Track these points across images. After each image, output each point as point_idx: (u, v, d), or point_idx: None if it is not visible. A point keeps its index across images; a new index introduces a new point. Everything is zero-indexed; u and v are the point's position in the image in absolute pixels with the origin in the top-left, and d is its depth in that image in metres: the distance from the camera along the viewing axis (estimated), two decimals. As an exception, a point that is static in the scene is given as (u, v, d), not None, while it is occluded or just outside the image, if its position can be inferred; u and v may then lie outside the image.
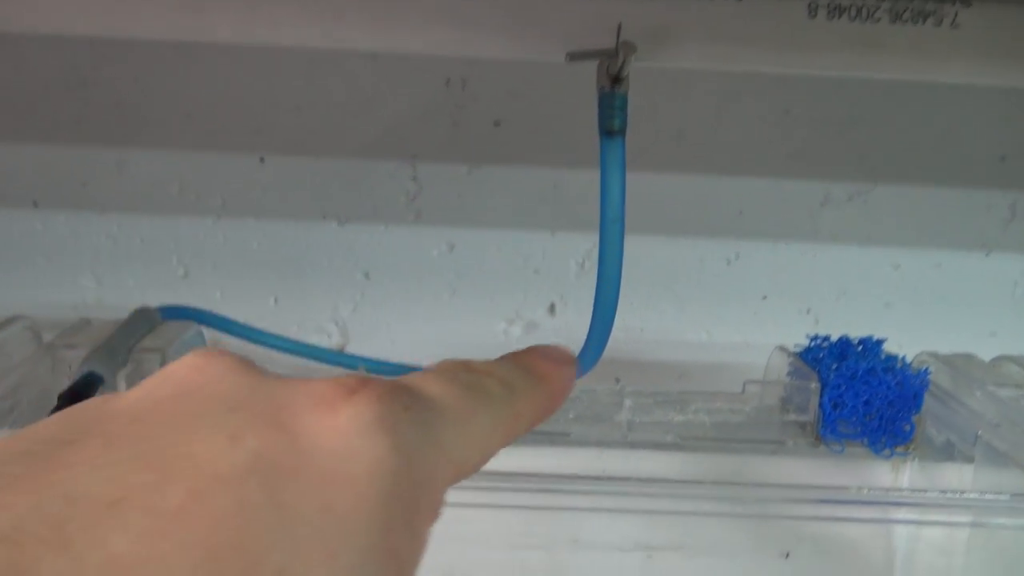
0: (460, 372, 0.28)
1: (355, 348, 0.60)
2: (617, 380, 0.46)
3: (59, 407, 0.37)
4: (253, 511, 0.20)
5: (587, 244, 0.59)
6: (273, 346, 0.53)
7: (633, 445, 0.43)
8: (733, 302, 0.61)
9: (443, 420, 0.25)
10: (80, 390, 0.38)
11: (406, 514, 0.22)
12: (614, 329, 0.62)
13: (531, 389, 0.30)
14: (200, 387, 0.23)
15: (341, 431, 0.22)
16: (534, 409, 0.30)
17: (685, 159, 0.58)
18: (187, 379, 0.23)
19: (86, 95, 0.56)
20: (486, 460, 0.27)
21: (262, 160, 0.58)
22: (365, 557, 0.21)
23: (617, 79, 0.35)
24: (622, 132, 0.35)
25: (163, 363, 0.42)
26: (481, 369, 0.29)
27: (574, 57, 0.35)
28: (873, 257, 0.61)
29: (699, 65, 0.36)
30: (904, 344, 0.61)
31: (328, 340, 0.60)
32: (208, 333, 0.51)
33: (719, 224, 0.60)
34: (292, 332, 0.60)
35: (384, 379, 0.24)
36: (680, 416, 0.43)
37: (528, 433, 0.44)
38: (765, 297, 0.61)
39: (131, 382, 0.42)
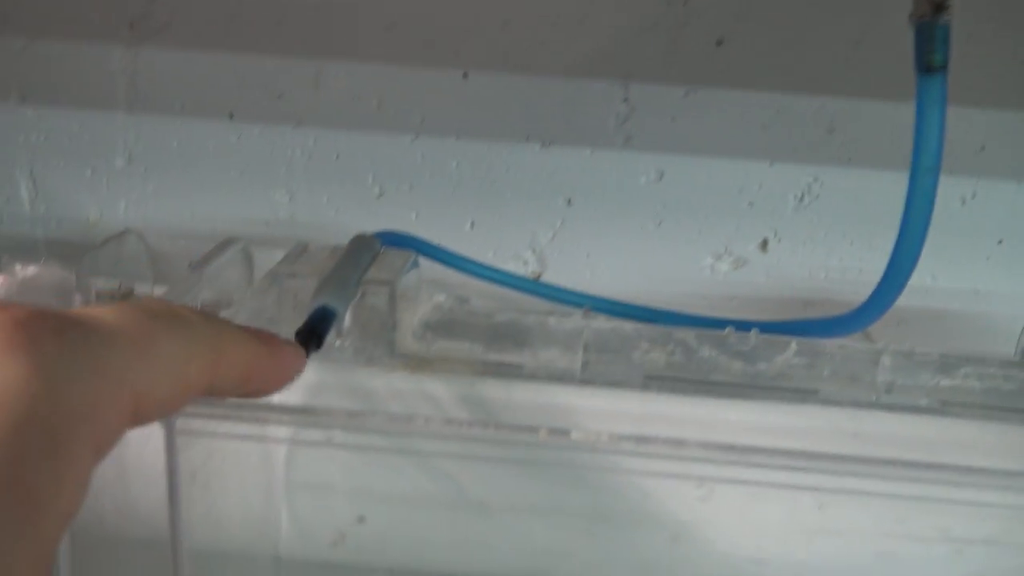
0: (151, 302, 0.26)
1: (551, 277, 0.57)
2: (868, 335, 0.43)
3: (300, 345, 0.35)
4: None
5: (808, 176, 0.55)
6: (493, 280, 0.50)
7: (890, 408, 0.40)
8: (964, 245, 0.56)
9: (111, 345, 0.23)
10: (316, 325, 0.36)
11: (49, 445, 0.20)
12: (828, 268, 0.58)
13: (244, 337, 0.28)
14: None
15: None
16: (247, 358, 0.28)
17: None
18: None
19: (283, 4, 0.53)
20: (186, 393, 0.25)
21: (465, 76, 0.54)
22: None
23: (941, 6, 0.30)
24: (944, 68, 0.31)
25: (391, 296, 0.40)
26: (182, 306, 0.27)
27: (892, -20, 0.31)
28: None
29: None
30: None
31: (524, 268, 0.57)
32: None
33: (956, 160, 0.54)
34: (487, 258, 0.57)
35: (30, 304, 0.23)
36: (947, 380, 0.39)
37: (769, 388, 0.41)
38: (1001, 241, 0.56)
39: (357, 315, 0.40)
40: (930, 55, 0.31)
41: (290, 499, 0.42)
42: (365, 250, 0.42)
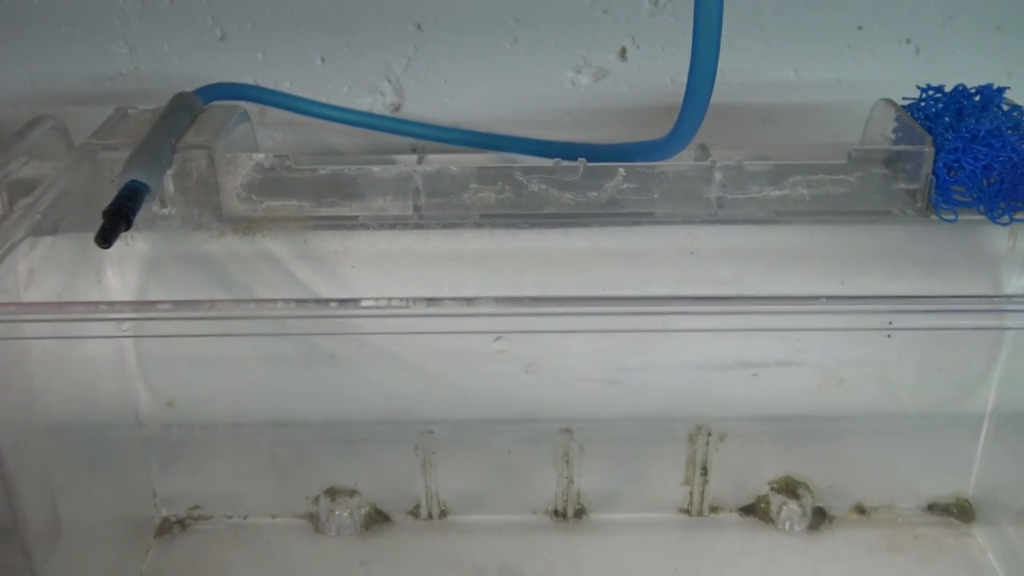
0: None
1: (411, 107, 0.56)
2: (703, 147, 0.42)
3: (107, 225, 0.34)
4: None
5: (661, -23, 0.53)
6: (325, 116, 0.49)
7: (724, 221, 0.40)
8: (824, 35, 0.55)
9: None
10: (123, 204, 0.35)
11: None
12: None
13: None
14: None
15: None
16: None
17: None
18: None
19: None
20: None
21: (292, -101, 0.51)
22: None
23: None
24: None
25: (210, 160, 0.39)
26: None
27: None
28: (985, -26, 0.54)
29: None
30: (1017, 73, 0.55)
31: (383, 99, 0.56)
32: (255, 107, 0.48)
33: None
34: (343, 93, 0.55)
35: None
36: (777, 191, 0.39)
37: (603, 215, 0.40)
38: (860, 27, 0.54)
39: (178, 185, 0.39)
40: None
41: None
42: (181, 111, 0.41)
